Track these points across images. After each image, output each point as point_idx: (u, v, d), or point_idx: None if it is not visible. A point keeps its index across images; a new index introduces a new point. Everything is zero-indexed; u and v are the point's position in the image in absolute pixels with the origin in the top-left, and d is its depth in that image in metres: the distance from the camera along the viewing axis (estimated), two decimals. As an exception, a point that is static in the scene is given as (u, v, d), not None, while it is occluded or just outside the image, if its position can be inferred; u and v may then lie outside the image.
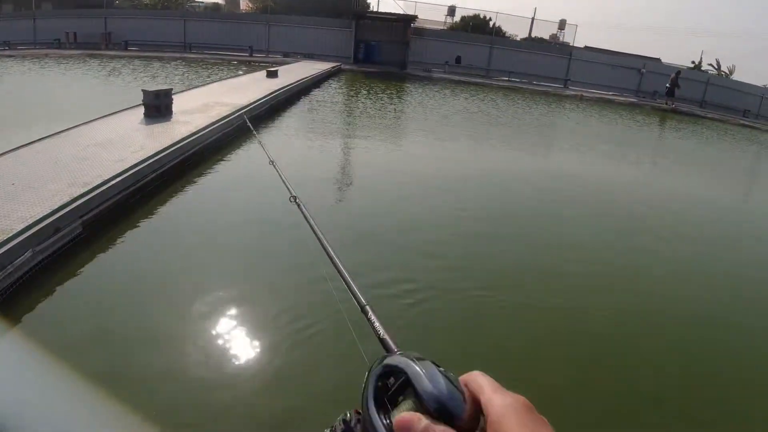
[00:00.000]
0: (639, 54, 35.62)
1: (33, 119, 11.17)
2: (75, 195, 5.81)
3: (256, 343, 4.20)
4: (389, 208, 7.97)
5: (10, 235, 4.75)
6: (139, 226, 6.32)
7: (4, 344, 4.03)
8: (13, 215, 5.17)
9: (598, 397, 4.09)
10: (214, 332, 4.28)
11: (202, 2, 45.92)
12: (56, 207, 5.45)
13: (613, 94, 29.91)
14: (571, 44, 36.35)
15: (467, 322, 4.98)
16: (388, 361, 0.66)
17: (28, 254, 4.82)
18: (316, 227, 1.48)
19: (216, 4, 47.30)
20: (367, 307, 0.94)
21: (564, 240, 7.29)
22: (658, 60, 35.65)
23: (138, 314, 4.54)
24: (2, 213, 5.20)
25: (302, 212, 1.69)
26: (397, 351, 0.74)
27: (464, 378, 0.64)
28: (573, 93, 28.72)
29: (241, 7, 46.90)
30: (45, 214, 5.26)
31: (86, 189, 6.02)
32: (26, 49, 27.97)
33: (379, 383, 0.64)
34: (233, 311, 4.61)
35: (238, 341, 4.18)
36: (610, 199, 9.69)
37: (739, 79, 33.56)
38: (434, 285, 5.46)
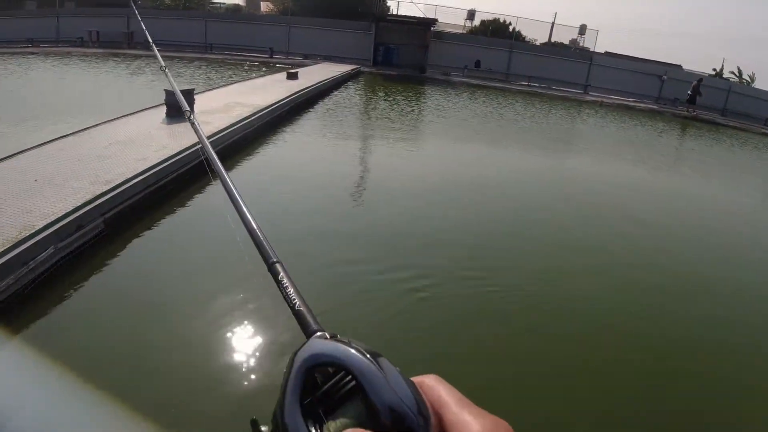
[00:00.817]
0: (660, 60, 35.32)
1: (57, 116, 11.29)
2: (97, 193, 5.85)
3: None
4: (398, 207, 7.96)
5: (33, 231, 4.78)
6: (159, 224, 6.34)
7: (25, 340, 4.04)
8: (36, 211, 5.20)
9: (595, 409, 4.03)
10: (236, 333, 4.27)
11: (223, 3, 46.22)
12: (79, 204, 5.48)
13: (633, 101, 29.60)
14: (591, 49, 36.06)
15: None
16: (323, 348, 0.48)
17: (50, 251, 4.85)
18: (211, 150, 1.15)
19: (236, 6, 47.58)
20: (278, 266, 0.71)
21: (573, 243, 7.23)
22: (679, 67, 35.28)
23: (158, 312, 4.55)
24: (25, 209, 5.24)
25: (196, 131, 1.32)
26: (323, 333, 0.54)
27: (416, 383, 0.48)
28: (593, 99, 28.50)
29: (262, 9, 47.15)
30: (67, 211, 5.30)
31: (108, 187, 6.05)
32: (49, 46, 28.36)
33: (307, 379, 0.46)
34: (257, 309, 4.60)
35: (251, 347, 4.17)
36: (626, 205, 9.56)
37: (760, 88, 33.06)
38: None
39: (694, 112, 26.89)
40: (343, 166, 10.12)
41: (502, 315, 5.13)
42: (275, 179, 8.74)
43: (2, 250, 4.36)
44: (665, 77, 31.50)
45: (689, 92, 27.48)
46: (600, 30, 42.95)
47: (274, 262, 0.72)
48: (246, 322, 4.41)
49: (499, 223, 7.77)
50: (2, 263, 4.25)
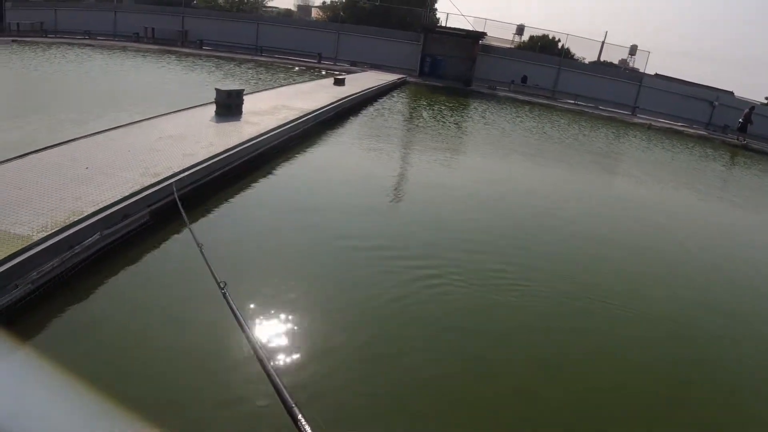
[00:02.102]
0: (711, 85, 34.32)
1: (112, 107, 11.63)
2: (145, 184, 5.97)
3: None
4: (426, 219, 7.92)
5: (81, 216, 4.91)
6: (204, 219, 6.43)
7: (65, 318, 4.14)
8: (85, 198, 5.34)
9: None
10: (268, 331, 4.28)
11: (275, 8, 47.06)
12: (127, 194, 5.61)
13: (682, 125, 28.88)
14: (641, 71, 35.37)
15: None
16: None
17: (96, 236, 4.96)
18: (242, 319, 1.15)
19: (288, 11, 48.34)
20: (296, 409, 0.70)
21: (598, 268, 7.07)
22: (730, 93, 34.27)
23: (193, 304, 4.60)
24: (75, 195, 5.39)
25: (228, 303, 1.40)
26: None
27: None
28: (641, 121, 27.92)
29: (312, 15, 47.81)
30: (116, 200, 5.43)
31: (156, 179, 6.18)
32: (105, 40, 29.30)
33: None
34: (285, 308, 4.62)
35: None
36: (665, 229, 9.29)
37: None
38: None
39: (744, 140, 26.10)
40: (381, 171, 10.14)
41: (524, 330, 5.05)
42: (315, 180, 8.82)
43: (51, 232, 4.48)
44: (716, 103, 30.64)
45: (740, 120, 26.68)
46: (650, 52, 42.15)
47: (292, 406, 0.74)
48: (273, 330, 4.43)
49: (531, 237, 7.65)
50: (50, 245, 4.37)
